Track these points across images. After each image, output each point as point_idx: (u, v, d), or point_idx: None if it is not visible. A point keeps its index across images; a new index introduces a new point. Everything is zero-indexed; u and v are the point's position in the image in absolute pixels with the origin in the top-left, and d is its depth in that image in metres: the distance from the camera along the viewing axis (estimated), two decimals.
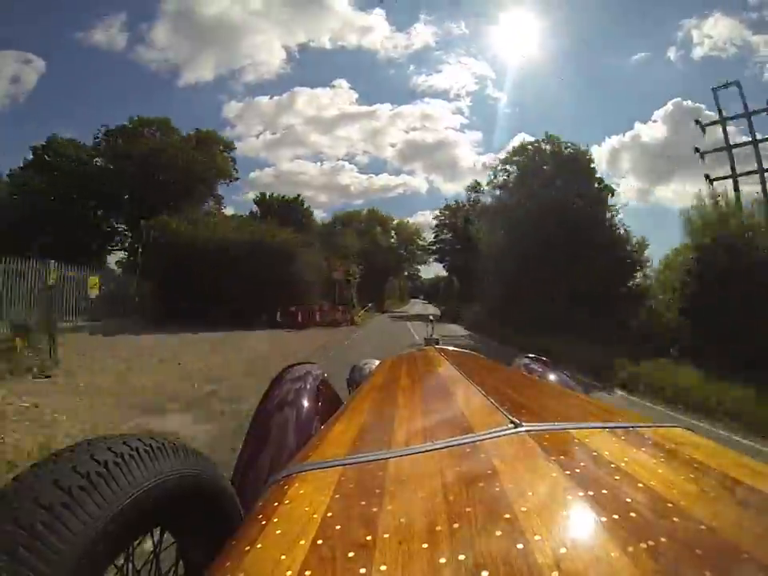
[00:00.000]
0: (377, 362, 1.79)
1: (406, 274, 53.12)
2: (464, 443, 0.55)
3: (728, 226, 10.13)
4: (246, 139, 60.01)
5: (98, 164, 24.06)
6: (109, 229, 25.14)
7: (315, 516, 0.42)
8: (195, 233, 17.06)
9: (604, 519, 0.36)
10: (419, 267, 51.24)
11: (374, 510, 0.42)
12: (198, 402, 4.94)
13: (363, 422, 0.79)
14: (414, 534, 0.37)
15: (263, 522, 0.44)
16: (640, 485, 0.41)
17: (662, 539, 0.33)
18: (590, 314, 12.76)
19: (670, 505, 0.38)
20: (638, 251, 15.02)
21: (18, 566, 0.40)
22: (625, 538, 0.33)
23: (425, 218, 45.64)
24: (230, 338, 11.41)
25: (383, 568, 0.33)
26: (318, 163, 72.05)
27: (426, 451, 0.55)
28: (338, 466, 0.54)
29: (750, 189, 12.34)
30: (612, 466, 0.46)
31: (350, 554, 0.35)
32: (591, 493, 0.40)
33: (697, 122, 14.36)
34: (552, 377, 1.72)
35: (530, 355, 2.07)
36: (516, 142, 19.83)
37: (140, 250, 17.89)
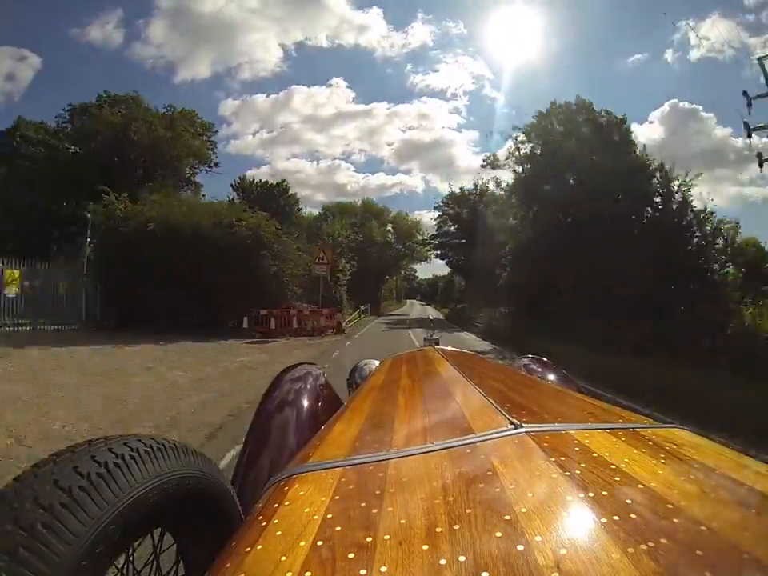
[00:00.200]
0: (377, 362, 1.79)
1: (402, 273, 49.38)
2: (464, 444, 0.55)
3: None
4: (242, 137, 60.98)
5: (62, 147, 21.27)
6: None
7: (315, 517, 0.42)
8: (145, 216, 13.53)
9: (604, 520, 0.35)
10: (415, 267, 48.09)
11: (374, 510, 0.42)
12: None
13: (363, 423, 0.77)
14: (415, 535, 0.37)
15: (263, 523, 0.44)
16: (640, 485, 0.41)
17: (663, 540, 0.33)
18: (664, 320, 9.25)
19: (670, 505, 0.38)
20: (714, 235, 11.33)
21: (18, 567, 0.40)
22: (625, 539, 0.33)
23: (421, 218, 44.24)
24: (157, 353, 8.23)
25: (383, 569, 0.33)
26: (315, 162, 73.01)
27: (426, 452, 0.54)
28: (338, 466, 0.54)
29: None
30: (612, 466, 0.45)
31: (350, 555, 0.35)
32: (591, 494, 0.40)
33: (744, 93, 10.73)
34: (552, 377, 1.72)
35: (530, 355, 2.08)
36: (514, 142, 16.18)
37: (89, 240, 14.45)
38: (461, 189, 33.36)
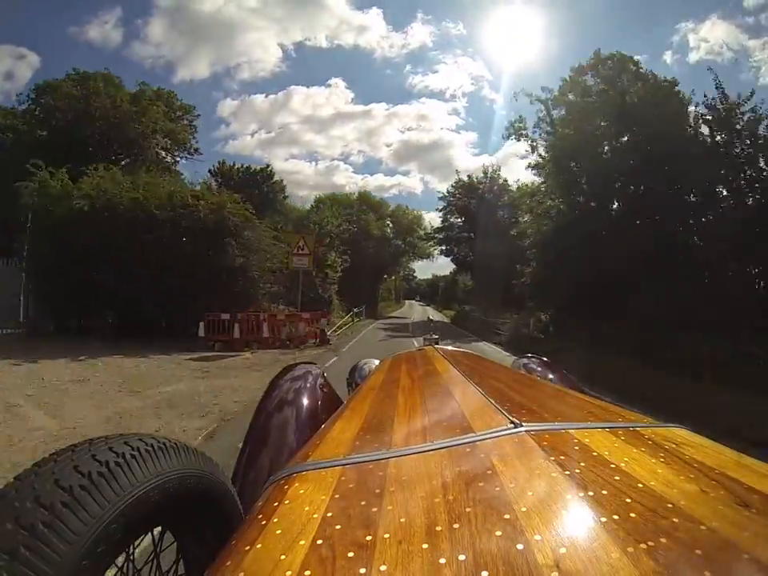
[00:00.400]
0: (377, 362, 1.78)
1: (401, 273, 46.16)
2: (464, 443, 0.54)
3: None
4: (241, 137, 59.94)
5: (26, 129, 18.20)
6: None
7: (315, 516, 0.42)
8: (78, 194, 10.56)
9: (604, 519, 0.35)
10: (414, 267, 45.00)
11: (374, 509, 0.41)
12: None
13: (363, 422, 0.77)
14: (414, 533, 0.37)
15: (263, 522, 0.44)
16: (640, 485, 0.41)
17: (662, 539, 0.33)
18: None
19: (669, 505, 0.37)
20: None
21: (19, 566, 0.40)
22: (625, 538, 0.33)
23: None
24: (59, 374, 5.96)
25: (383, 568, 0.33)
26: (313, 163, 72.43)
27: (426, 451, 0.54)
28: (337, 465, 0.54)
29: None
30: (612, 466, 0.45)
31: (350, 554, 0.35)
32: (591, 493, 0.39)
33: None
34: (552, 377, 1.72)
35: (530, 355, 2.07)
36: (512, 144, 13.12)
37: (29, 227, 11.45)
38: (468, 177, 29.53)
